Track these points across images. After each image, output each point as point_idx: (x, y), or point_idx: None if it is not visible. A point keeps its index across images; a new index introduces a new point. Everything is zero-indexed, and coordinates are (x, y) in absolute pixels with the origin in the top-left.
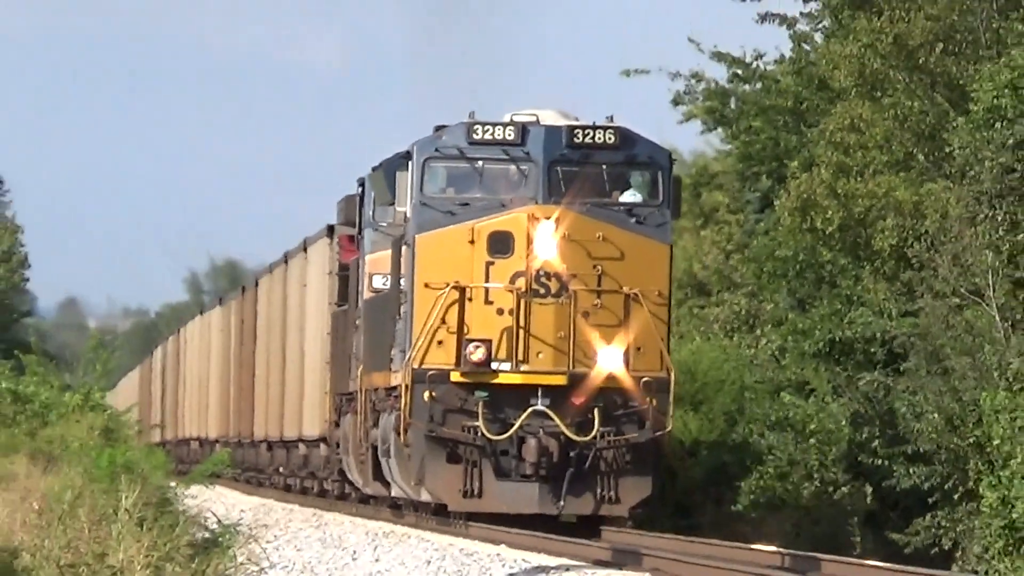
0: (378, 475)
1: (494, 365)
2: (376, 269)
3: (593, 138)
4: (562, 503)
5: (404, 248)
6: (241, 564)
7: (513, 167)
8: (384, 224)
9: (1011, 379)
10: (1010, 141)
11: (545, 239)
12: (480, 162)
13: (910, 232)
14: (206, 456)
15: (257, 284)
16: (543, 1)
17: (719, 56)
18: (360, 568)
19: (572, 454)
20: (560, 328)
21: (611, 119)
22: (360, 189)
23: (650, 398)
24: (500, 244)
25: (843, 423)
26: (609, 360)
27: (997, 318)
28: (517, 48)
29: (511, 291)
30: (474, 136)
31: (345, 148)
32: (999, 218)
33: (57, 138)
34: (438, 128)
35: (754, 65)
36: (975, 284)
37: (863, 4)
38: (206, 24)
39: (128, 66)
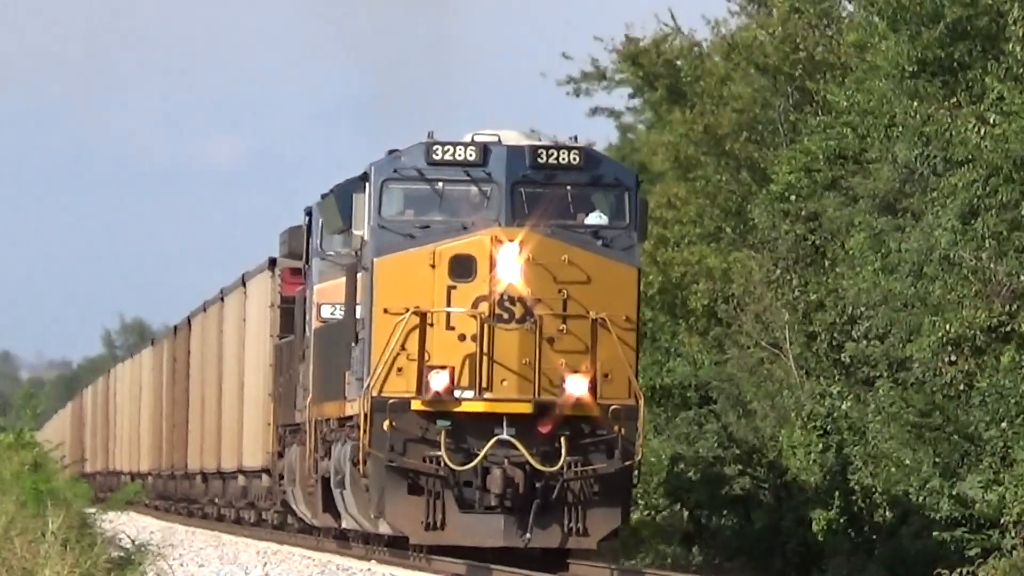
0: (328, 507)
1: (456, 393)
2: (324, 299)
3: (557, 158)
4: (528, 535)
5: (361, 273)
6: None
7: (475, 188)
8: (332, 253)
9: (805, 419)
10: (803, 213)
11: (509, 262)
12: (440, 183)
13: (719, 294)
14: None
15: (190, 323)
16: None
17: None
18: None
19: (538, 485)
20: (525, 354)
21: (575, 139)
22: (307, 219)
23: (618, 427)
24: (462, 268)
25: (663, 457)
26: (576, 388)
27: (793, 367)
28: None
29: (474, 316)
30: (434, 156)
31: (234, 229)
32: (794, 281)
33: None
34: (391, 152)
35: None
36: (775, 338)
37: (679, 100)
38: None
39: (49, 164)
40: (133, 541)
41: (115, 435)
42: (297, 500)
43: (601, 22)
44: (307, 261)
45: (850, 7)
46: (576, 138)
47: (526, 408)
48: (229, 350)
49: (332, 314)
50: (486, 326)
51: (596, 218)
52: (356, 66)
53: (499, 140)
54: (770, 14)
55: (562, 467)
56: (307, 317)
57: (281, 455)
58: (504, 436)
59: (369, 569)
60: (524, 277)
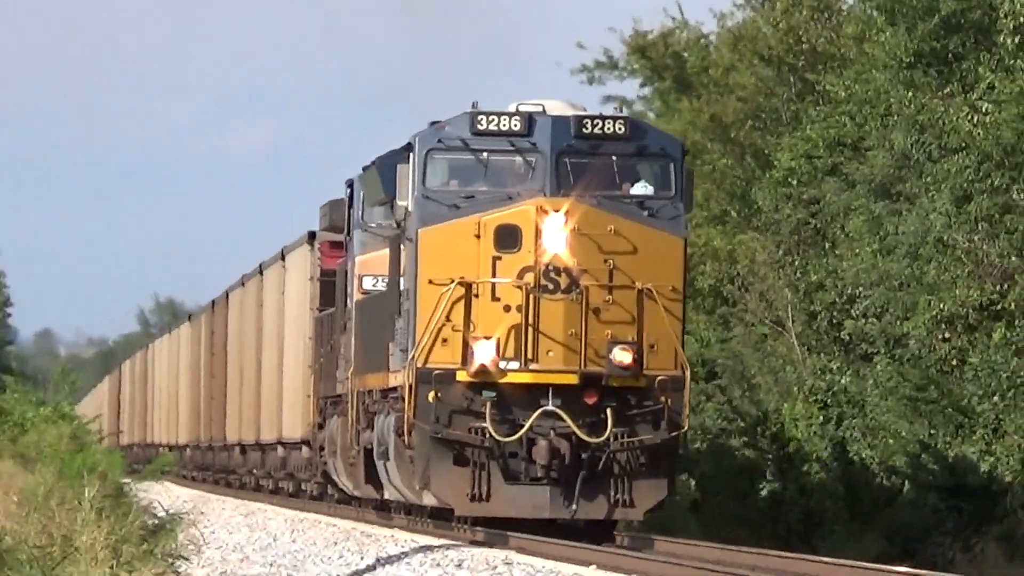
0: (370, 478)
1: (502, 364)
2: (366, 271)
3: (602, 128)
4: (574, 507)
5: (405, 243)
6: (183, 545)
7: (519, 158)
8: (374, 225)
9: (807, 393)
10: (804, 197)
11: (554, 232)
12: (485, 153)
13: (725, 274)
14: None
15: (228, 297)
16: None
17: None
18: (280, 548)
19: (584, 456)
20: (570, 325)
21: (620, 109)
22: (348, 191)
23: (665, 397)
24: (507, 238)
25: None
26: (622, 358)
27: (795, 344)
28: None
29: (519, 287)
30: (478, 127)
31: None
32: (796, 262)
33: (37, 204)
34: (434, 123)
35: None
36: (778, 316)
37: (686, 90)
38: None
39: (88, 156)
40: (167, 510)
41: (153, 408)
42: (338, 471)
43: (615, 13)
44: (348, 233)
45: (850, 1)
46: (621, 108)
47: (572, 379)
48: (268, 323)
49: (374, 286)
50: (531, 297)
51: (641, 188)
52: (368, 59)
53: (544, 110)
54: (774, 7)
55: (608, 438)
56: (348, 289)
57: (322, 427)
58: (550, 407)
59: (392, 536)
60: (570, 247)
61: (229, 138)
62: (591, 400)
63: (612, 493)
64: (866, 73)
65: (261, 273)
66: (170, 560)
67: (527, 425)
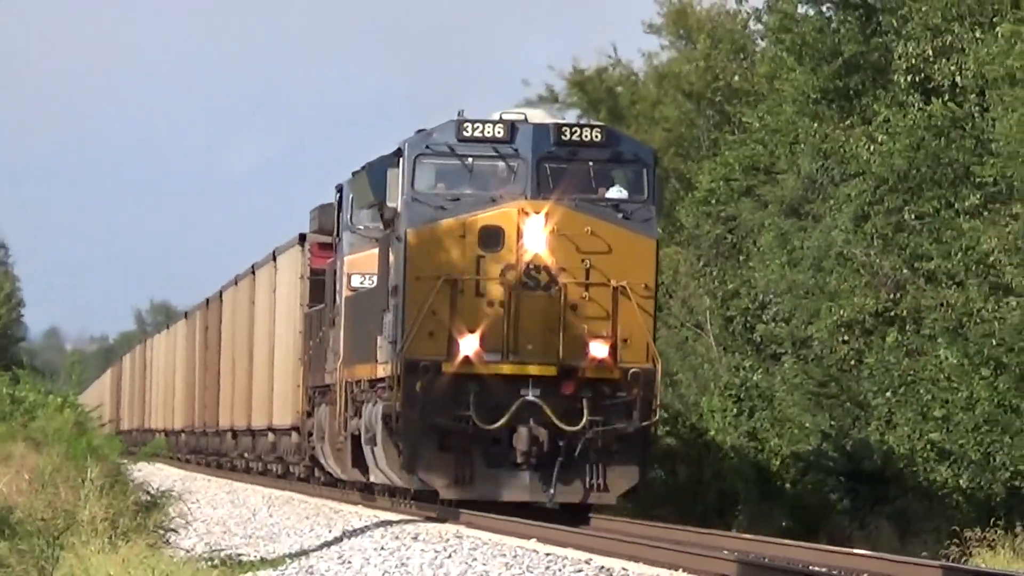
0: (357, 462)
1: (485, 356)
2: (355, 269)
3: (580, 136)
4: (552, 491)
5: (394, 243)
6: (173, 518)
7: (502, 163)
8: (362, 227)
9: (723, 388)
10: (722, 215)
11: (535, 233)
12: (470, 159)
13: None
14: (169, 443)
15: (222, 295)
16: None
17: None
18: (259, 522)
19: (561, 443)
20: (550, 320)
21: (596, 118)
22: (338, 195)
23: (637, 389)
24: (491, 238)
25: None
26: (597, 351)
27: (713, 344)
28: None
29: (502, 284)
30: (464, 133)
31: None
32: (714, 273)
33: (45, 212)
34: (420, 131)
35: None
36: (698, 320)
37: (618, 120)
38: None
39: (92, 170)
40: (159, 488)
41: (150, 396)
42: (326, 456)
43: (556, 53)
44: (338, 235)
45: (762, 43)
46: (598, 118)
47: (551, 371)
48: (260, 319)
49: (362, 283)
50: (513, 293)
51: (616, 192)
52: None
53: (525, 118)
54: (695, 48)
55: (584, 426)
56: (338, 287)
57: (310, 414)
58: (530, 397)
59: (356, 512)
60: (549, 247)
61: (225, 151)
62: (568, 390)
63: (587, 478)
64: (777, 107)
65: (254, 273)
66: (161, 532)
67: (508, 414)
